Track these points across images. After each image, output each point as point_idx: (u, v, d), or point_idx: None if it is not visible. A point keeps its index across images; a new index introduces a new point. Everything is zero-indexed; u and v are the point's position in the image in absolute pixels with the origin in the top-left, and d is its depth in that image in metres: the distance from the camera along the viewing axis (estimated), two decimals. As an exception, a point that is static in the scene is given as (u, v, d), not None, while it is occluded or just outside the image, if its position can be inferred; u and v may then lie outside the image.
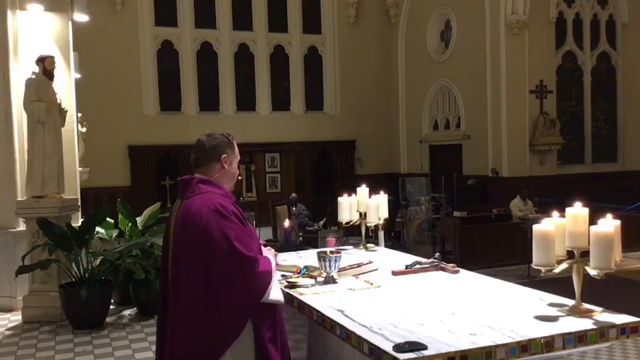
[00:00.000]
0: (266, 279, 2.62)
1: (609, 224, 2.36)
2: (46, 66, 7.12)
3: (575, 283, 2.44)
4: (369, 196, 4.15)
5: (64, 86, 7.75)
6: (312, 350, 3.19)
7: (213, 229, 2.58)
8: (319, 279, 3.14)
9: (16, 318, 7.12)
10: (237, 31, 15.60)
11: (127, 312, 7.26)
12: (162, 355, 2.80)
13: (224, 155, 2.81)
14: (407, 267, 3.37)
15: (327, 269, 3.10)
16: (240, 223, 2.66)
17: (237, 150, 2.92)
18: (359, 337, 2.26)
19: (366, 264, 3.41)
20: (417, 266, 3.38)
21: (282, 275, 3.26)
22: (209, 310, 2.57)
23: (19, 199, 7.32)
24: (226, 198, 2.75)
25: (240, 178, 3.01)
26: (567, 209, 2.43)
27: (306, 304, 2.78)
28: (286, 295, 2.99)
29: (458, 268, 3.36)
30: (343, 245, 5.96)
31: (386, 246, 4.45)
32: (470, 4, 13.68)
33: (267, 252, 2.82)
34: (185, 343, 2.61)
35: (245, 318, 2.58)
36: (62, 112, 7.35)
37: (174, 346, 2.64)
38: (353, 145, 16.48)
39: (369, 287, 3.03)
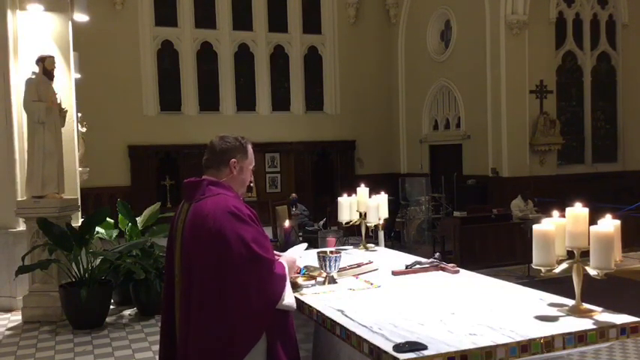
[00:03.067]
0: (281, 282, 2.61)
1: (609, 224, 2.36)
2: (46, 66, 7.12)
3: (575, 283, 2.44)
4: (369, 196, 4.15)
5: (64, 86, 7.75)
6: (317, 349, 3.19)
7: (229, 232, 2.52)
8: (319, 279, 3.14)
9: (16, 318, 7.12)
10: (237, 31, 15.61)
11: (127, 312, 7.26)
12: (167, 357, 2.79)
13: (233, 160, 2.73)
14: (407, 267, 3.37)
15: (327, 269, 3.10)
16: (255, 225, 2.62)
17: (251, 155, 2.81)
18: (359, 337, 2.26)
19: (366, 264, 3.41)
20: (417, 266, 3.37)
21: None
22: (226, 315, 2.51)
23: (19, 199, 7.32)
24: (238, 199, 2.70)
25: (252, 184, 2.93)
26: (567, 209, 2.43)
27: (306, 304, 2.78)
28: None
29: (458, 268, 3.35)
30: (343, 245, 5.96)
31: (386, 246, 4.45)
32: (470, 4, 13.68)
33: (282, 259, 2.82)
34: (200, 351, 2.55)
35: (263, 322, 2.54)
36: (62, 112, 7.35)
37: (189, 353, 2.59)
38: (353, 145, 16.48)
39: (369, 287, 3.03)
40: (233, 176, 2.74)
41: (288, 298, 2.64)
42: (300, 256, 3.03)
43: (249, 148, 2.82)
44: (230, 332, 2.52)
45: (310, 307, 2.73)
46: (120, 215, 7.68)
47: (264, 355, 2.60)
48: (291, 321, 2.74)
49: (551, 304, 2.57)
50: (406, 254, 4.03)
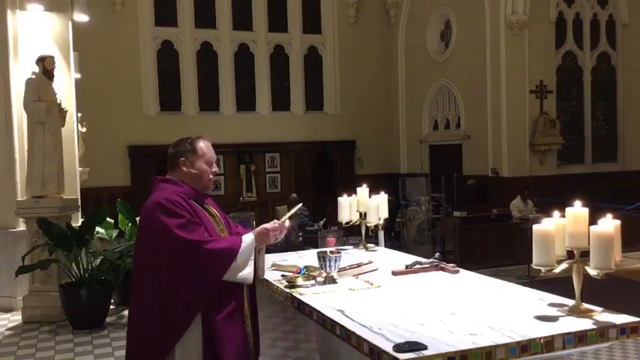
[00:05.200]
0: (221, 256, 2.67)
1: (609, 224, 2.36)
2: (46, 66, 7.12)
3: (575, 283, 2.44)
4: (369, 196, 4.15)
5: (64, 86, 7.75)
6: (319, 348, 3.19)
7: (156, 222, 2.67)
8: (319, 279, 3.14)
9: (16, 318, 7.12)
10: (237, 31, 15.59)
11: (127, 312, 7.24)
12: None
13: (182, 159, 2.89)
14: (407, 267, 3.37)
15: (327, 269, 3.10)
16: (189, 214, 2.71)
17: (202, 151, 2.93)
18: (359, 337, 2.26)
19: (366, 264, 3.41)
20: (417, 266, 3.37)
21: (282, 275, 3.27)
22: (158, 301, 2.64)
23: (19, 199, 7.32)
24: (179, 193, 2.79)
25: (211, 176, 3.02)
26: (567, 209, 2.43)
27: (306, 304, 2.78)
28: (286, 295, 3.00)
29: (458, 268, 3.35)
30: (343, 245, 5.96)
31: (386, 246, 4.45)
32: (470, 4, 13.68)
33: (253, 231, 2.88)
34: (134, 340, 2.74)
35: (199, 303, 2.64)
36: (62, 112, 7.35)
37: (127, 344, 2.80)
38: (353, 145, 16.47)
39: (369, 287, 3.03)
40: (186, 173, 2.90)
41: (244, 271, 2.72)
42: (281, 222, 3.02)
43: (200, 145, 2.94)
44: (161, 317, 2.63)
45: (310, 307, 2.72)
46: (120, 215, 7.68)
47: (200, 344, 2.65)
48: (242, 308, 2.79)
49: (551, 304, 2.57)
50: (406, 254, 4.03)
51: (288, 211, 3.12)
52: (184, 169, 2.90)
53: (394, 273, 3.31)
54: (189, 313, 2.64)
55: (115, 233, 7.79)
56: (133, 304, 2.81)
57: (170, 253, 2.63)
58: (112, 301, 7.25)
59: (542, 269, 2.43)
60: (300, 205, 3.30)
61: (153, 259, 2.68)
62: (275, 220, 2.99)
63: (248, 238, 2.80)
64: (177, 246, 2.62)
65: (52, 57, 7.25)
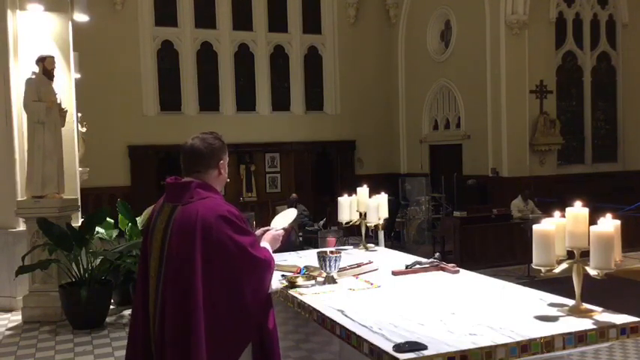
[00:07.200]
0: (272, 272, 2.67)
1: (609, 224, 2.36)
2: (46, 66, 7.13)
3: (575, 283, 2.44)
4: (369, 196, 4.15)
5: (64, 86, 7.75)
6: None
7: (225, 239, 2.50)
8: (319, 279, 3.14)
9: (16, 318, 7.12)
10: (237, 31, 15.59)
11: (127, 312, 7.26)
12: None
13: (222, 161, 2.70)
14: (407, 267, 3.37)
15: (327, 269, 3.10)
16: (248, 228, 2.64)
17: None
18: (359, 337, 2.27)
19: (366, 264, 3.41)
20: (417, 266, 3.38)
21: (282, 275, 3.27)
22: (223, 318, 2.49)
23: (19, 199, 7.32)
24: (227, 202, 2.67)
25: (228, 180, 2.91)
26: (567, 209, 2.43)
27: (306, 304, 2.78)
28: (286, 295, 3.00)
29: (458, 268, 3.36)
30: (343, 245, 5.97)
31: (386, 246, 4.45)
32: (470, 4, 13.68)
33: (264, 241, 2.86)
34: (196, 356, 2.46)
35: (258, 318, 2.58)
36: (62, 112, 7.35)
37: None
38: (353, 145, 16.47)
39: (369, 287, 3.03)
40: (221, 177, 2.72)
41: (274, 284, 2.73)
42: (283, 226, 3.09)
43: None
44: (225, 334, 2.50)
45: (310, 307, 2.73)
46: (120, 215, 7.68)
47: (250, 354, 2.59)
48: (275, 335, 2.71)
49: (551, 304, 2.58)
50: (406, 254, 4.04)
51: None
52: (222, 172, 2.70)
53: (394, 273, 3.31)
54: (253, 324, 2.57)
55: (115, 233, 7.79)
56: (180, 316, 2.49)
57: (245, 270, 2.52)
58: (112, 301, 7.25)
59: (542, 269, 2.43)
60: (296, 213, 3.29)
61: (225, 273, 2.50)
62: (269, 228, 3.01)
63: (269, 247, 2.81)
64: (251, 264, 2.54)
65: (52, 57, 7.25)
